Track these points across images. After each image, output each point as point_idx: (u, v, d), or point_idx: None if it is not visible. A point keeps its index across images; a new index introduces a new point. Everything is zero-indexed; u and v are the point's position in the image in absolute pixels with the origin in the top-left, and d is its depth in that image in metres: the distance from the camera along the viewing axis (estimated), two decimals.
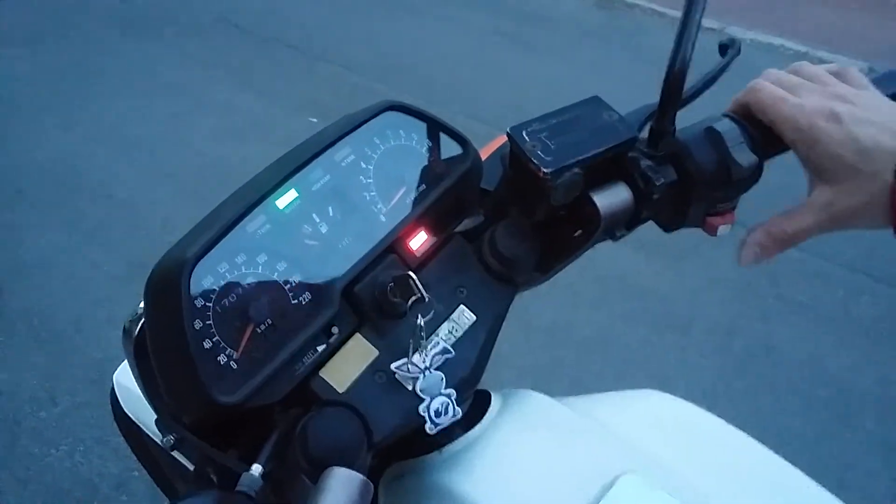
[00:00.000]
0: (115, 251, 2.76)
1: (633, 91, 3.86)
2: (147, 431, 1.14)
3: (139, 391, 1.11)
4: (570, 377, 2.37)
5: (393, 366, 0.59)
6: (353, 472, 0.49)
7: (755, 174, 0.62)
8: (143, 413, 1.13)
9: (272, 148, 3.42)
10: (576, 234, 0.65)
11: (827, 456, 2.20)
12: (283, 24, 4.99)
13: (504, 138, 0.79)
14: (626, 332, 2.60)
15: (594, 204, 0.61)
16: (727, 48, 0.72)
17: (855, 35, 5.68)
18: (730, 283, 2.88)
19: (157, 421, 0.70)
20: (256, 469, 0.52)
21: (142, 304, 0.69)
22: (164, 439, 0.69)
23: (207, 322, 0.54)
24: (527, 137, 0.60)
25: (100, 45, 4.53)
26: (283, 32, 4.86)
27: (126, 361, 1.18)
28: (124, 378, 1.17)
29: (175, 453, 1.09)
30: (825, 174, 0.61)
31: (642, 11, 5.78)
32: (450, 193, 0.64)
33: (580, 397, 0.73)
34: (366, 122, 0.62)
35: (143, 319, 0.68)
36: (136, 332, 0.68)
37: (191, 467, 1.12)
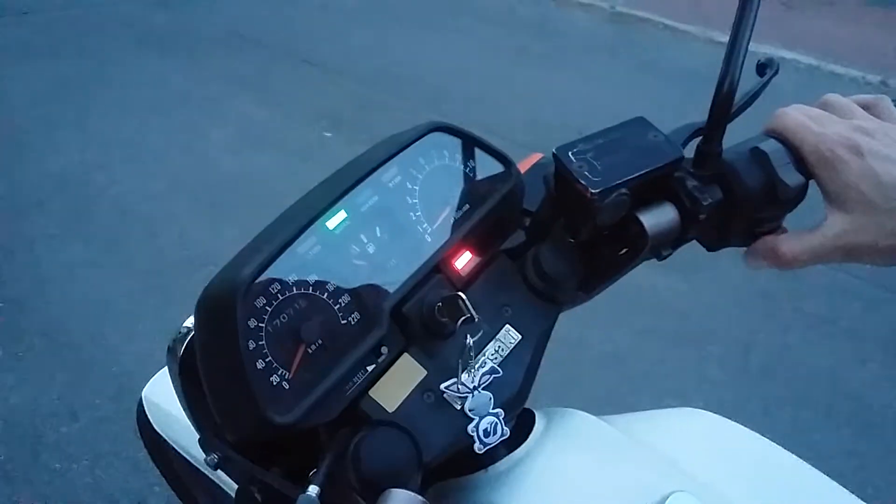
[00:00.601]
0: (132, 265, 2.77)
1: (644, 104, 3.86)
2: (177, 449, 1.14)
3: (170, 408, 1.12)
4: (587, 394, 2.36)
5: (442, 386, 0.59)
6: (413, 494, 0.49)
7: (801, 194, 0.62)
8: (173, 430, 1.13)
9: (287, 161, 3.47)
10: (621, 253, 0.65)
11: (847, 472, 2.18)
12: (297, 39, 5.03)
13: (537, 156, 0.79)
14: (643, 348, 2.59)
15: (641, 224, 0.62)
16: (766, 67, 0.72)
17: (866, 49, 5.67)
18: (747, 296, 2.87)
19: (200, 440, 0.70)
20: (314, 490, 0.52)
21: (186, 323, 0.70)
22: (208, 458, 0.69)
23: (260, 343, 0.54)
24: (573, 158, 0.60)
25: (116, 59, 4.57)
26: (298, 47, 4.89)
27: (155, 378, 1.19)
28: (154, 395, 1.17)
29: (212, 472, 1.10)
30: (842, 204, 0.61)
31: (653, 26, 5.80)
32: (494, 213, 0.64)
33: (620, 416, 0.73)
34: (412, 142, 0.62)
35: (188, 338, 0.68)
36: (182, 351, 0.68)
37: (224, 486, 1.13)
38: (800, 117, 0.63)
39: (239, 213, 3.09)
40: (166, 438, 1.17)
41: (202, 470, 1.14)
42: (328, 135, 3.78)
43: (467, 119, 3.99)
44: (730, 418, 0.74)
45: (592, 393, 2.36)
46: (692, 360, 2.58)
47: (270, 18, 5.39)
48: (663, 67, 5.13)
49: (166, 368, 1.19)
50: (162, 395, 1.15)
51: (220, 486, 1.30)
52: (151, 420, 1.17)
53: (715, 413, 0.74)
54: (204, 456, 0.70)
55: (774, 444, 0.68)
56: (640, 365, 2.53)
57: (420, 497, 0.49)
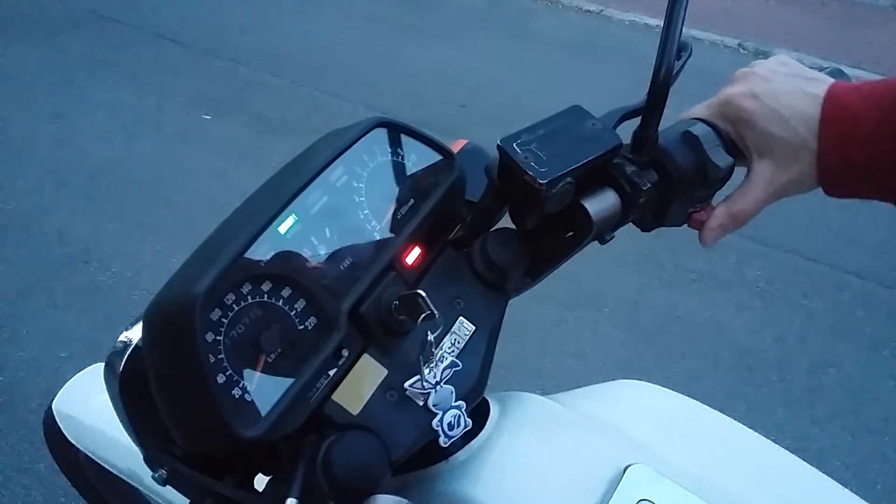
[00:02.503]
0: (11, 266, 2.60)
1: (522, 75, 3.90)
2: (96, 459, 1.10)
3: (87, 420, 1.08)
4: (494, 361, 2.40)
5: (406, 384, 0.60)
6: (399, 499, 0.49)
7: (729, 173, 0.66)
8: (90, 441, 1.10)
9: (167, 146, 3.31)
10: (567, 236, 0.67)
11: (737, 414, 2.33)
12: (163, 18, 4.79)
13: (462, 142, 0.80)
14: (541, 313, 2.66)
15: (586, 211, 0.64)
16: (680, 50, 0.75)
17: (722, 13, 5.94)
18: (632, 258, 3.00)
19: (145, 457, 0.68)
20: (292, 502, 0.52)
21: (123, 336, 0.67)
22: (156, 475, 0.67)
23: (220, 356, 0.52)
24: (518, 150, 0.61)
25: None
26: (165, 26, 4.66)
27: (65, 388, 1.14)
28: (65, 406, 1.13)
29: (138, 482, 1.06)
30: (761, 152, 0.66)
31: None
32: (439, 206, 0.65)
33: (565, 394, 0.76)
34: (356, 140, 0.62)
35: (127, 353, 0.66)
36: (122, 367, 0.65)
37: (145, 492, 1.10)
38: (702, 106, 0.69)
39: (119, 204, 2.95)
40: (82, 449, 1.12)
41: (122, 478, 1.11)
42: (208, 117, 3.65)
43: (350, 95, 3.96)
44: (629, 374, 0.78)
45: (496, 360, 2.40)
46: (587, 321, 2.67)
47: None
48: (537, 37, 5.22)
49: (77, 378, 1.15)
50: (76, 407, 1.11)
51: (140, 494, 1.26)
52: (64, 431, 1.13)
53: (611, 371, 0.78)
54: (150, 473, 0.68)
55: (710, 408, 0.73)
56: (538, 330, 2.60)
57: (405, 501, 0.49)
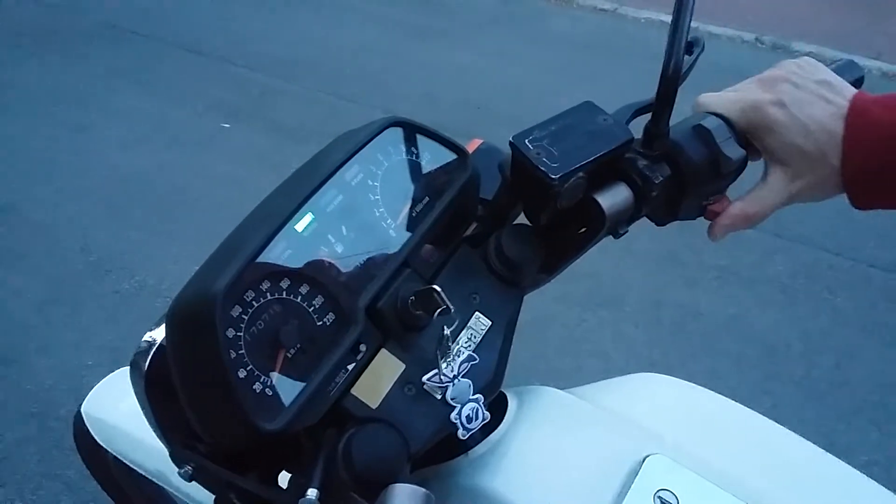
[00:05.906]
0: (37, 276, 2.64)
1: (539, 74, 3.89)
2: (126, 462, 1.12)
3: (117, 422, 1.09)
4: (514, 361, 2.40)
5: (424, 378, 0.61)
6: (416, 487, 0.50)
7: (742, 166, 0.66)
8: (120, 444, 1.11)
9: (187, 155, 3.34)
10: (581, 231, 0.68)
11: (762, 411, 2.31)
12: (181, 29, 4.85)
13: (477, 142, 0.81)
14: (562, 313, 2.66)
15: (599, 205, 0.64)
16: (692, 45, 0.75)
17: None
18: (652, 255, 2.98)
19: (171, 454, 0.69)
20: (313, 493, 0.53)
21: (147, 336, 0.69)
22: (181, 471, 0.69)
23: (240, 352, 0.54)
24: (530, 146, 0.62)
25: None
26: (183, 37, 4.72)
27: (93, 392, 1.16)
28: (94, 409, 1.14)
29: (166, 482, 1.08)
30: (781, 159, 0.66)
31: None
32: (454, 204, 0.65)
33: (584, 387, 0.77)
34: (371, 139, 0.63)
35: (151, 352, 0.67)
36: (147, 366, 0.67)
37: (176, 494, 1.11)
38: (721, 95, 0.69)
39: (141, 213, 2.99)
40: (110, 451, 1.14)
41: (150, 479, 1.13)
42: (227, 125, 3.68)
43: (366, 99, 3.98)
44: (649, 372, 0.79)
45: (517, 358, 2.40)
46: (608, 320, 2.67)
47: (151, 9, 5.17)
48: (551, 37, 5.22)
49: (105, 382, 1.17)
50: (104, 410, 1.13)
51: (167, 494, 1.28)
52: (94, 435, 1.14)
53: (633, 370, 0.78)
54: (176, 469, 0.69)
55: (731, 400, 0.73)
56: (559, 329, 2.60)
57: (423, 490, 0.50)
